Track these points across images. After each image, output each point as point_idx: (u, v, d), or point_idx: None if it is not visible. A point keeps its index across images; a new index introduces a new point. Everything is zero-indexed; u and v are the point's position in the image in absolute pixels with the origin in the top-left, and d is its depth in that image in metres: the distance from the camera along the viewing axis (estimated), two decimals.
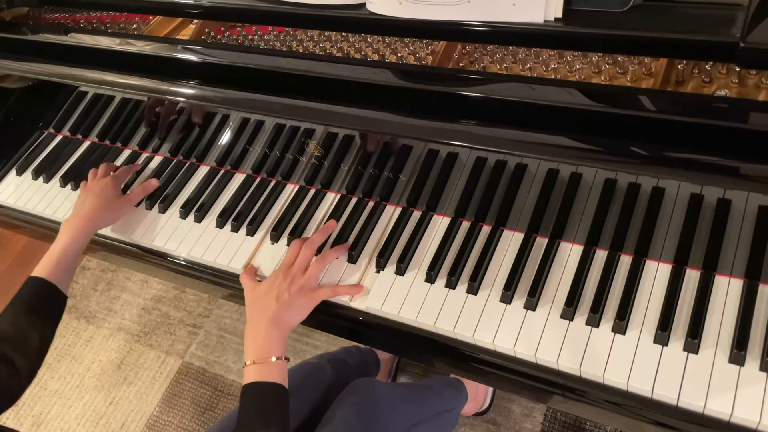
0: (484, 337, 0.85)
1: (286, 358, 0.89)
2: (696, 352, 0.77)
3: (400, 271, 0.94)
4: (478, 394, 1.43)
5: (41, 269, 0.97)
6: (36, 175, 1.29)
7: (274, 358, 0.86)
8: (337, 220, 1.04)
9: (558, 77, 0.80)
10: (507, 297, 0.87)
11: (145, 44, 1.04)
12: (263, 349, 0.87)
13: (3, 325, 0.90)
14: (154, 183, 1.15)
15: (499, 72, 0.83)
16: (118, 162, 1.25)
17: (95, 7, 1.19)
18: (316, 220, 1.06)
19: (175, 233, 1.11)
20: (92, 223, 1.05)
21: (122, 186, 1.18)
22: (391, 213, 1.02)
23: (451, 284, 0.91)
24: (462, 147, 0.89)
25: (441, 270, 0.93)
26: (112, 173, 1.16)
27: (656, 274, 0.85)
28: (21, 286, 0.96)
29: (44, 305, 0.95)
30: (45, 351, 0.93)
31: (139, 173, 1.22)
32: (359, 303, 0.94)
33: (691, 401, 0.74)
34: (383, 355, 1.49)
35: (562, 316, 0.84)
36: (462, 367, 0.90)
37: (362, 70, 0.88)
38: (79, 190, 1.18)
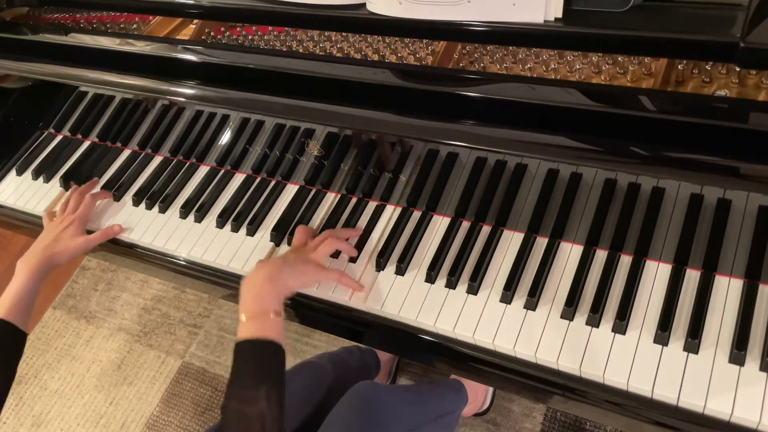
0: (484, 337, 0.85)
1: (283, 316, 0.87)
2: (696, 352, 0.77)
3: (400, 271, 0.94)
4: (478, 394, 1.43)
5: (0, 309, 0.98)
6: (36, 175, 1.29)
7: (271, 314, 0.84)
8: (337, 220, 1.04)
9: (558, 77, 0.80)
10: (507, 297, 0.87)
11: (145, 44, 1.04)
12: (258, 304, 0.85)
13: None
14: (117, 229, 1.13)
15: (499, 72, 0.83)
16: (118, 162, 1.25)
17: (95, 7, 1.19)
18: (316, 220, 1.06)
19: (175, 233, 1.11)
20: (46, 265, 1.05)
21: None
22: (390, 213, 1.02)
23: (451, 284, 0.91)
24: (462, 147, 0.89)
25: (441, 270, 0.93)
26: (75, 212, 1.13)
27: (656, 274, 0.85)
28: None
29: (3, 345, 0.96)
30: (6, 390, 0.93)
31: (135, 178, 1.21)
32: (359, 303, 0.94)
33: (691, 401, 0.74)
34: (383, 356, 1.49)
35: (562, 316, 0.84)
36: (462, 367, 0.90)
37: (362, 70, 0.88)
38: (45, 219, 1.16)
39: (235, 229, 1.08)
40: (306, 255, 0.94)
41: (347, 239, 1.00)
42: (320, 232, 1.02)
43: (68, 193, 1.21)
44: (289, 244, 1.03)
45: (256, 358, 0.82)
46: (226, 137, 1.13)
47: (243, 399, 0.78)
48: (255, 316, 0.84)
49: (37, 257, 1.06)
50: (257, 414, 0.77)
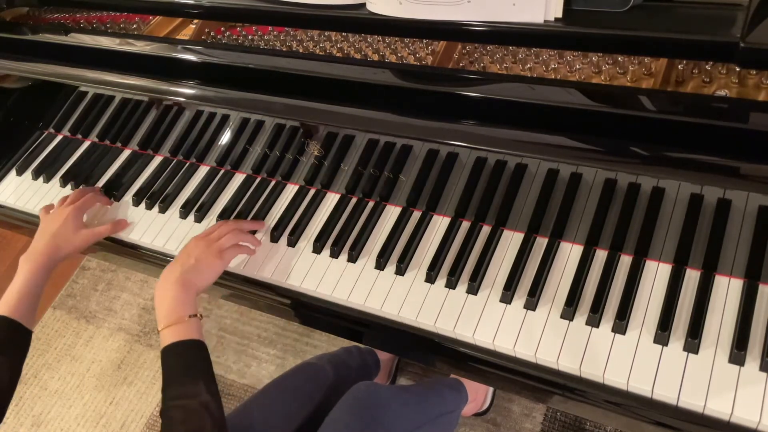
0: (484, 337, 0.85)
1: (200, 316, 0.89)
2: (696, 352, 0.77)
3: (400, 271, 0.94)
4: (478, 394, 1.43)
5: (2, 307, 0.97)
6: (36, 175, 1.29)
7: (187, 317, 0.86)
8: (337, 221, 1.04)
9: (558, 77, 0.80)
10: (507, 297, 0.87)
11: (145, 44, 1.04)
12: (175, 310, 0.87)
13: None
14: (124, 224, 1.14)
15: (499, 72, 0.83)
16: (118, 162, 1.25)
17: (95, 7, 1.19)
18: (316, 219, 1.05)
19: (175, 233, 1.11)
20: (50, 259, 1.04)
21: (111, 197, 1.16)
22: (390, 213, 1.02)
23: (451, 284, 0.91)
24: (462, 147, 0.89)
25: (441, 270, 0.93)
26: (75, 203, 1.12)
27: (656, 274, 0.85)
28: None
29: (9, 343, 0.95)
30: (13, 389, 0.92)
31: (135, 178, 1.21)
32: (359, 303, 0.94)
33: (691, 401, 0.74)
34: (383, 356, 1.49)
35: (562, 316, 0.84)
36: (462, 368, 0.90)
37: (362, 70, 0.88)
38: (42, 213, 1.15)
39: None
40: (208, 247, 0.96)
41: (250, 231, 1.03)
42: (322, 232, 1.02)
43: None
44: (288, 244, 1.03)
45: (186, 358, 0.84)
46: (226, 137, 1.13)
47: (183, 395, 0.80)
48: (174, 323, 0.86)
49: (41, 252, 1.04)
50: (200, 403, 0.79)
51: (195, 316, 0.88)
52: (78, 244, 1.09)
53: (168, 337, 0.85)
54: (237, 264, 1.03)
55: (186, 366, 0.83)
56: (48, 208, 1.16)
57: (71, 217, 1.10)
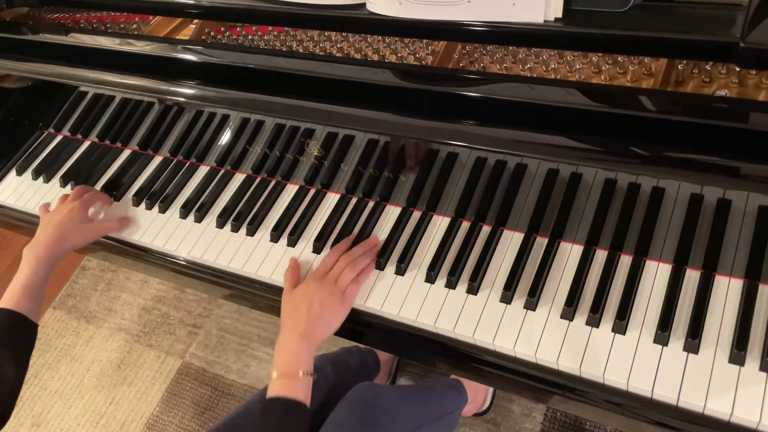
0: (484, 337, 0.85)
1: (313, 375, 0.88)
2: (696, 352, 0.77)
3: (400, 271, 0.94)
4: (478, 394, 1.43)
5: (7, 300, 0.96)
6: (36, 175, 1.29)
7: (300, 374, 0.86)
8: (337, 221, 1.04)
9: (558, 77, 0.80)
10: (507, 297, 0.87)
11: (145, 44, 1.04)
12: (292, 363, 0.86)
13: None
14: (129, 221, 1.13)
15: (499, 72, 0.83)
16: (118, 162, 1.25)
17: (95, 7, 1.19)
18: (316, 220, 1.05)
19: (175, 233, 1.11)
20: (53, 252, 1.03)
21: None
22: (390, 213, 1.02)
23: (451, 284, 0.91)
24: (462, 147, 0.89)
25: (441, 270, 0.93)
26: (79, 199, 1.12)
27: (656, 274, 0.85)
28: None
29: (14, 337, 0.94)
30: (20, 383, 0.91)
31: (135, 178, 1.21)
32: (359, 303, 0.94)
33: (691, 401, 0.74)
34: (383, 356, 1.49)
35: (562, 316, 0.84)
36: (462, 367, 0.90)
37: (362, 70, 0.88)
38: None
39: (235, 229, 1.08)
40: (331, 293, 0.91)
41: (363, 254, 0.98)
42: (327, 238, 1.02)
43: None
44: (288, 244, 1.03)
45: (284, 417, 0.83)
46: (226, 137, 1.13)
47: None
48: (285, 375, 0.85)
49: (45, 244, 1.02)
50: None
51: (308, 374, 0.86)
52: (83, 237, 1.08)
53: (276, 388, 0.85)
54: (238, 265, 1.03)
55: (281, 425, 0.83)
56: (47, 206, 1.16)
57: (77, 209, 1.09)
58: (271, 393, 0.85)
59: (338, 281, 0.92)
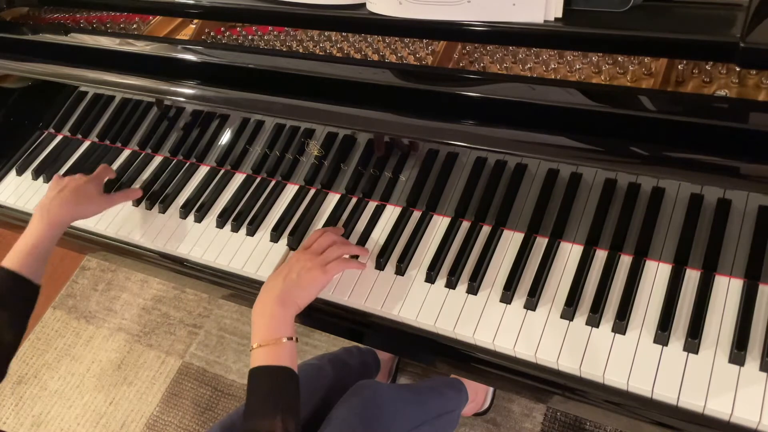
0: (484, 337, 0.85)
1: (296, 339, 0.85)
2: (696, 352, 0.77)
3: (400, 271, 0.94)
4: (478, 394, 1.43)
5: (11, 260, 0.94)
6: (36, 175, 1.29)
7: (284, 339, 0.83)
8: (337, 221, 1.04)
9: (558, 77, 0.80)
10: (507, 297, 0.87)
11: (145, 44, 1.04)
12: (270, 330, 0.84)
13: None
14: (138, 192, 1.15)
15: (499, 72, 0.83)
16: (118, 162, 1.25)
17: (95, 7, 1.19)
18: (316, 220, 1.05)
19: (175, 233, 1.11)
20: (65, 217, 1.02)
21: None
22: (391, 213, 1.02)
23: (451, 284, 0.91)
24: (462, 147, 0.89)
25: (441, 270, 0.93)
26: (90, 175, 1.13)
27: (656, 274, 0.85)
28: None
29: (13, 298, 0.92)
30: (16, 345, 0.90)
31: (135, 178, 1.21)
32: (359, 303, 0.94)
33: (691, 401, 0.74)
34: (383, 356, 1.49)
35: (562, 316, 0.84)
36: (462, 367, 0.90)
37: (362, 70, 0.88)
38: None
39: (235, 229, 1.08)
40: (311, 261, 0.91)
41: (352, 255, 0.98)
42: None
43: None
44: (288, 243, 1.03)
45: (271, 386, 0.80)
46: (226, 137, 1.13)
47: (259, 426, 0.77)
48: (268, 343, 0.83)
49: (59, 207, 1.01)
50: None
51: (291, 339, 0.84)
52: (96, 206, 1.08)
53: (259, 358, 0.82)
54: (238, 265, 1.03)
55: (270, 395, 0.79)
56: (59, 175, 1.15)
57: (93, 180, 1.10)
58: (255, 363, 0.81)
59: (321, 255, 0.92)
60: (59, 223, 1.01)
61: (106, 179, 1.17)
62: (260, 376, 0.81)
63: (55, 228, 1.00)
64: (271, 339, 0.83)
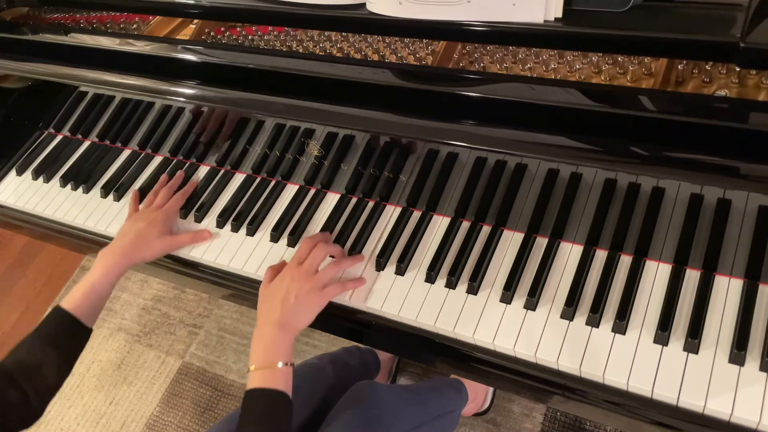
0: (484, 337, 0.85)
1: (292, 364, 0.87)
2: (696, 352, 0.77)
3: (400, 271, 0.94)
4: (478, 394, 1.43)
5: (69, 300, 0.95)
6: (36, 175, 1.29)
7: (280, 364, 0.85)
8: (337, 221, 1.04)
9: (558, 77, 0.80)
10: (507, 297, 0.87)
11: (145, 44, 1.04)
12: (268, 354, 0.85)
13: (21, 353, 0.89)
14: (207, 235, 1.07)
15: (499, 72, 0.83)
16: (118, 162, 1.25)
17: (95, 7, 1.19)
18: (316, 220, 1.05)
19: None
20: (129, 260, 1.02)
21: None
22: (390, 213, 1.02)
23: (451, 284, 0.91)
24: (462, 147, 0.89)
25: (441, 270, 0.93)
26: (164, 207, 1.09)
27: (656, 274, 0.85)
28: (46, 315, 0.94)
29: (65, 340, 0.93)
30: (58, 387, 0.91)
31: (135, 178, 1.21)
32: (359, 303, 0.94)
33: (691, 401, 0.74)
34: (383, 356, 1.49)
35: (562, 316, 0.84)
36: (462, 367, 0.90)
37: (362, 70, 0.88)
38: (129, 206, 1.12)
39: (235, 229, 1.08)
40: (305, 287, 0.90)
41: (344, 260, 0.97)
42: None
43: (156, 185, 1.16)
44: (288, 243, 1.03)
45: (264, 409, 0.82)
46: (225, 137, 1.13)
47: None
48: (264, 367, 0.85)
49: (121, 252, 1.01)
50: None
51: (287, 364, 0.85)
52: (158, 250, 1.05)
53: (255, 380, 0.84)
54: (238, 265, 1.03)
55: (261, 418, 0.81)
56: (136, 200, 1.13)
57: (160, 220, 1.06)
58: (250, 385, 0.84)
59: (317, 276, 0.91)
60: (118, 270, 1.01)
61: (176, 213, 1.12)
62: (254, 397, 0.84)
63: (114, 275, 1.00)
64: (267, 363, 0.85)
